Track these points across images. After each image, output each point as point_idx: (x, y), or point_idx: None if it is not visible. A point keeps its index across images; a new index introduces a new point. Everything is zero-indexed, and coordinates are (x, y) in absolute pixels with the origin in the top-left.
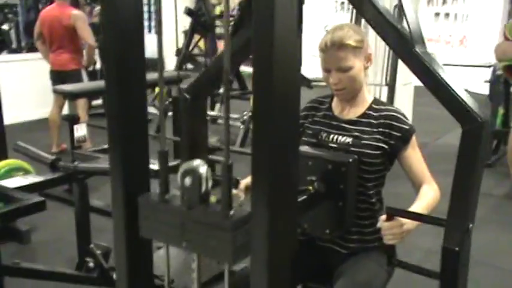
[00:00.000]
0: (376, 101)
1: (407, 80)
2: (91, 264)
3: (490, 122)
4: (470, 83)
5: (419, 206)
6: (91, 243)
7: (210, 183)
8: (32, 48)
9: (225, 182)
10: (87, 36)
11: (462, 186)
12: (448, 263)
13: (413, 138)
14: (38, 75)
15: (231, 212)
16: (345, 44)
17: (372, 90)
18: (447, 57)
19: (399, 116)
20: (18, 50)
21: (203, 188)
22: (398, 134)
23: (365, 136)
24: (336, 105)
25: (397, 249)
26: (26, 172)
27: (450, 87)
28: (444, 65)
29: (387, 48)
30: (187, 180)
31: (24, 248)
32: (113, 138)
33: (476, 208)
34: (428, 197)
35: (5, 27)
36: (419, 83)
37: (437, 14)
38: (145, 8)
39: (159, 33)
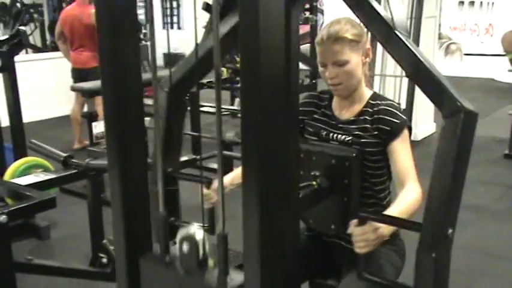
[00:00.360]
0: (373, 96)
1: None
2: (104, 260)
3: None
4: (496, 72)
5: (397, 209)
6: (104, 239)
7: (207, 248)
8: (56, 47)
9: (221, 252)
10: None
11: (441, 185)
12: (423, 272)
13: (405, 132)
14: (62, 74)
15: (228, 280)
16: (341, 37)
17: (391, 82)
18: (473, 46)
19: (391, 109)
20: (43, 49)
21: (200, 253)
22: (388, 128)
23: (364, 134)
24: (335, 104)
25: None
26: (45, 169)
27: (432, 73)
28: (469, 54)
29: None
30: (185, 247)
31: (42, 244)
32: (110, 139)
33: (458, 211)
34: (408, 199)
35: (23, 28)
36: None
37: (461, 3)
38: (168, 4)
39: (152, 34)
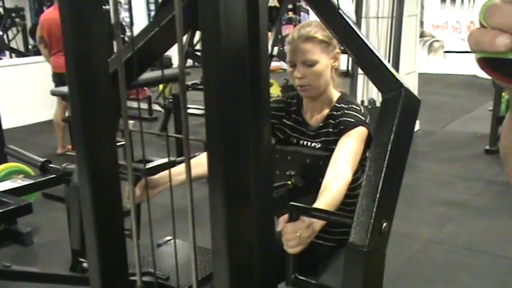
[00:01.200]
0: (340, 99)
1: (411, 68)
2: (85, 265)
3: (412, 92)
4: (478, 68)
5: (325, 200)
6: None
7: None
8: (38, 51)
9: None
10: None
11: (375, 174)
12: (353, 269)
13: (357, 131)
14: (44, 78)
15: None
16: (312, 37)
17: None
18: (455, 43)
19: (350, 112)
20: (25, 53)
21: None
22: (341, 126)
23: (330, 139)
24: (305, 109)
25: (400, 238)
26: (26, 175)
27: (372, 53)
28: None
29: (390, 38)
30: None
31: (25, 250)
32: (78, 143)
33: (396, 203)
34: (333, 187)
35: (0, 32)
36: (423, 71)
37: (443, 1)
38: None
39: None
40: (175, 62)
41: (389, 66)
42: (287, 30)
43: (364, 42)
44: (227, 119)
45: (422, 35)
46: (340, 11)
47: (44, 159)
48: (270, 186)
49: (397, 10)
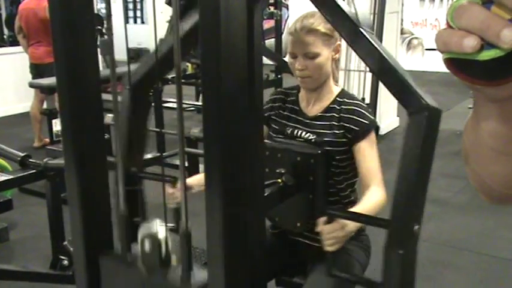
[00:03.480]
0: (341, 94)
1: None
2: (65, 262)
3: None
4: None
5: (362, 207)
6: (65, 241)
7: (170, 245)
8: (14, 42)
9: (184, 249)
10: None
11: (407, 182)
12: (391, 267)
13: (372, 134)
14: (21, 69)
15: (191, 276)
16: (314, 29)
17: (355, 77)
18: (433, 41)
19: (359, 109)
20: (0, 44)
21: (163, 253)
22: (356, 128)
23: (327, 132)
24: (302, 98)
25: (382, 235)
26: (2, 169)
27: (396, 70)
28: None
29: None
30: (147, 245)
31: (1, 246)
32: (67, 137)
33: (424, 206)
34: (372, 200)
35: None
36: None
37: None
38: None
39: (109, 29)
40: None
41: (413, 83)
42: (267, 25)
43: (388, 60)
44: (225, 117)
45: (401, 32)
46: (361, 29)
47: (24, 154)
48: (261, 184)
49: (379, 7)
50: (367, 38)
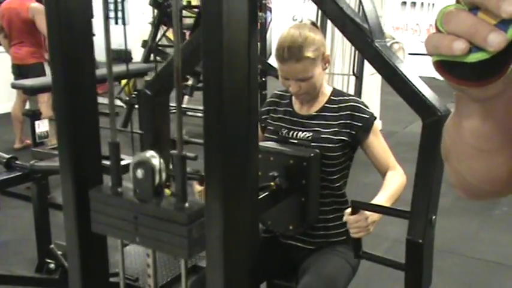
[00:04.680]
0: (334, 93)
1: (374, 69)
2: (52, 266)
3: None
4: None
5: (384, 196)
6: (51, 244)
7: (163, 176)
8: None
9: (178, 174)
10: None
11: (424, 179)
12: (412, 254)
13: (375, 125)
14: (2, 69)
15: (186, 205)
16: (303, 57)
17: (339, 80)
18: (414, 45)
19: (359, 105)
20: None
21: (156, 181)
22: (359, 124)
23: (324, 130)
24: (296, 100)
25: (363, 240)
26: None
27: (410, 81)
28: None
29: None
30: (140, 173)
31: None
32: (62, 134)
33: (439, 200)
34: (392, 185)
35: None
36: None
37: (404, 3)
38: None
39: (106, 30)
40: (135, 56)
41: (427, 92)
42: None
43: (401, 72)
44: (226, 119)
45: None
46: (375, 43)
47: (10, 156)
48: (255, 187)
49: (363, 10)
50: (380, 50)
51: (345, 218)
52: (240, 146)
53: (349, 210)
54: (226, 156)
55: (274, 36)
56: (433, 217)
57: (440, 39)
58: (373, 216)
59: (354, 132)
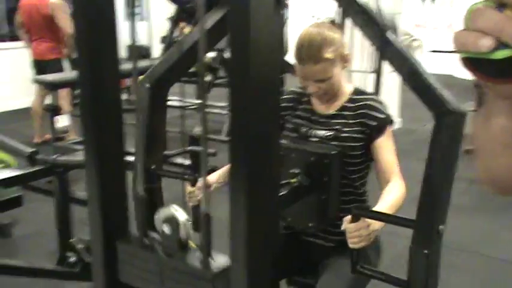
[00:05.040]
0: (355, 91)
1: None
2: (73, 259)
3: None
4: (455, 68)
5: (386, 204)
6: (72, 237)
7: (189, 229)
8: (14, 37)
9: (204, 232)
10: (65, 25)
11: (432, 185)
12: (416, 266)
13: (389, 128)
14: (21, 64)
15: (211, 261)
16: (322, 59)
17: (358, 78)
18: (435, 43)
19: (375, 104)
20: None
21: (182, 235)
22: (373, 124)
23: (345, 129)
24: (315, 98)
25: (384, 236)
26: (7, 165)
27: (423, 75)
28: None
29: None
30: (166, 228)
31: (4, 242)
32: (87, 129)
33: (448, 207)
34: (393, 195)
35: None
36: None
37: (423, 0)
38: None
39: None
40: (154, 52)
41: (440, 87)
42: None
43: (415, 64)
44: (253, 117)
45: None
46: (388, 34)
47: (32, 150)
48: (277, 184)
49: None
50: (394, 43)
51: (343, 226)
52: (264, 142)
53: (348, 217)
54: (252, 153)
55: (291, 34)
56: (441, 227)
57: (468, 36)
58: (374, 224)
59: (368, 132)
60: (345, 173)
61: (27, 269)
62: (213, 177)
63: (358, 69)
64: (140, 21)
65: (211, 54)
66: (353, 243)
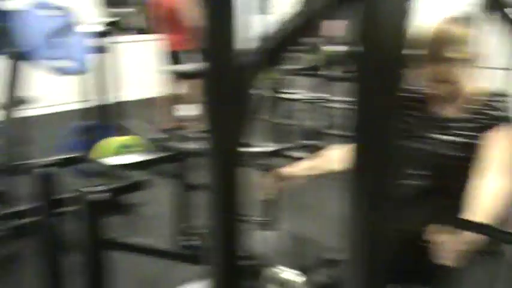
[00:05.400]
0: (480, 93)
1: None
2: (188, 243)
3: None
4: None
5: (478, 212)
6: (189, 222)
7: None
8: (143, 30)
9: None
10: (194, 17)
11: None
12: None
13: (504, 131)
14: (149, 56)
15: None
16: (447, 58)
17: (495, 75)
18: None
19: (495, 104)
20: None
21: None
22: (489, 122)
23: (466, 133)
24: (431, 99)
25: None
26: (140, 149)
27: None
28: None
29: None
30: None
31: (127, 221)
32: (211, 119)
33: None
34: (487, 199)
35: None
36: None
37: None
38: None
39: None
40: None
41: None
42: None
43: None
44: (380, 115)
45: None
46: None
47: (163, 136)
48: (399, 185)
49: None
50: None
51: (440, 238)
52: (387, 142)
53: (445, 229)
54: (377, 152)
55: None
56: None
57: None
58: (465, 237)
59: (482, 130)
60: (466, 178)
61: (147, 249)
62: (296, 168)
63: (495, 66)
64: (265, 15)
65: (334, 48)
66: (447, 259)
